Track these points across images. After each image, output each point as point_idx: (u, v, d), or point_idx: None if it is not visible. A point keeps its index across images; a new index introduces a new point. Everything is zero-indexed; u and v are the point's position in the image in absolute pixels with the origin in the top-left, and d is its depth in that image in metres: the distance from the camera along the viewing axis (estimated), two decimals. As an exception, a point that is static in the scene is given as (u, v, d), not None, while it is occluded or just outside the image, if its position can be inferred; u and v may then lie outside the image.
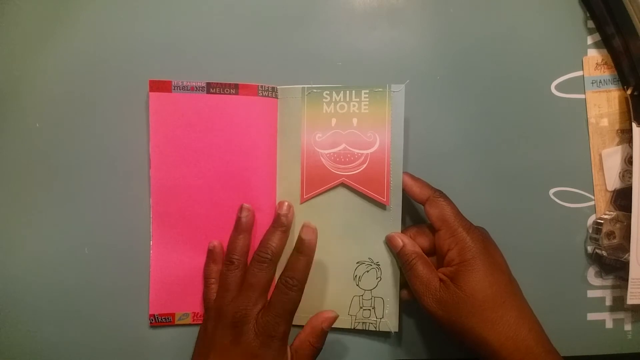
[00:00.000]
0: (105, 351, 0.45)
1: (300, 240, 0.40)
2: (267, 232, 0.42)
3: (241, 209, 0.43)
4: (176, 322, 0.44)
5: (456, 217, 0.39)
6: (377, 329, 0.43)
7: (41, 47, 0.44)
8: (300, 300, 0.40)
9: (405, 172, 0.42)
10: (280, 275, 0.40)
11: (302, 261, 0.40)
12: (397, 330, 0.43)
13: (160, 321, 0.44)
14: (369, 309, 0.44)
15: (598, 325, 0.46)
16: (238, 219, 0.43)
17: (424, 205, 0.41)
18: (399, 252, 0.41)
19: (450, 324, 0.38)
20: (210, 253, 0.43)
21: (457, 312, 0.37)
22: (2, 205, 0.44)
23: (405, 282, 0.42)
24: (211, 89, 0.43)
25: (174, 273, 0.44)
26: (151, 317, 0.44)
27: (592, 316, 0.46)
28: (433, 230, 0.41)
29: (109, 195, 0.44)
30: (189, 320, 0.44)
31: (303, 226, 0.41)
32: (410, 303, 0.43)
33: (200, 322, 0.43)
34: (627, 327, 0.46)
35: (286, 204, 0.43)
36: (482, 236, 0.39)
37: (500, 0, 0.46)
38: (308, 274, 0.40)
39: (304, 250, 0.40)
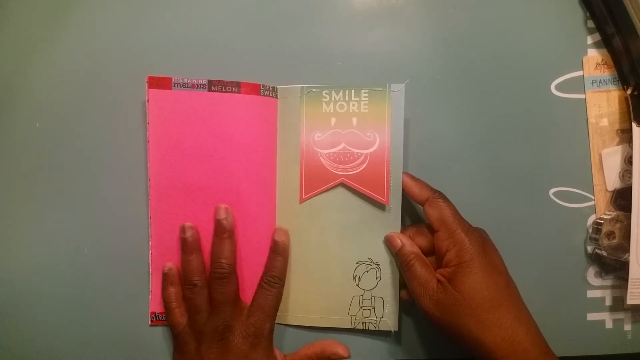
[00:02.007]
0: (106, 349, 0.45)
1: (274, 242, 0.43)
2: (213, 243, 0.42)
3: (183, 229, 0.42)
4: (176, 322, 0.44)
5: (455, 218, 0.39)
6: (377, 329, 0.43)
7: (41, 47, 0.44)
8: (281, 297, 0.42)
9: (404, 173, 0.42)
10: (262, 276, 0.42)
11: (279, 260, 0.42)
12: (397, 329, 0.43)
13: (161, 319, 0.44)
14: (369, 309, 0.44)
15: (598, 326, 0.46)
16: (183, 240, 0.42)
17: (423, 205, 0.41)
18: (398, 252, 0.41)
19: (447, 325, 0.38)
20: (166, 276, 0.43)
21: (454, 313, 0.37)
22: (2, 205, 0.44)
23: (405, 282, 0.42)
24: (213, 87, 0.42)
25: (175, 273, 0.43)
26: (152, 315, 0.44)
27: (592, 316, 0.46)
28: (432, 230, 0.41)
29: (109, 195, 0.44)
30: (188, 320, 0.44)
31: (275, 230, 0.44)
32: (409, 303, 0.43)
33: None
34: (627, 327, 0.46)
35: (223, 207, 0.42)
36: (481, 238, 0.39)
37: (500, 1, 0.46)
38: (286, 271, 0.43)
39: (279, 251, 0.42)
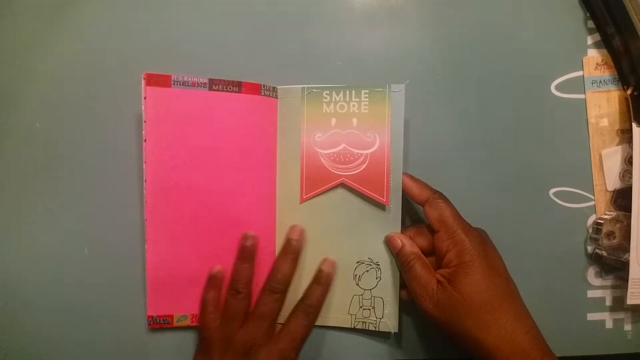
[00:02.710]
0: (104, 352, 0.45)
1: (319, 271, 0.43)
2: (278, 258, 0.43)
3: (245, 236, 0.43)
4: (174, 324, 0.44)
5: (455, 219, 0.39)
6: (377, 329, 0.43)
7: (40, 47, 0.44)
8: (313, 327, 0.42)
9: (404, 173, 0.42)
10: (299, 302, 0.42)
11: (319, 290, 0.42)
12: (396, 330, 0.43)
13: (159, 322, 0.44)
14: (369, 309, 0.43)
15: (598, 325, 0.46)
16: (242, 247, 0.43)
17: (423, 206, 0.41)
18: (398, 253, 0.41)
19: (447, 325, 0.38)
20: (212, 279, 0.43)
21: (453, 314, 0.37)
22: (1, 205, 0.44)
23: (405, 282, 0.42)
24: (213, 86, 0.42)
25: (172, 274, 0.43)
26: (149, 319, 0.43)
27: (592, 316, 0.46)
28: (432, 231, 0.41)
29: (109, 195, 0.44)
30: (187, 322, 0.44)
31: (323, 259, 0.43)
32: (410, 303, 0.43)
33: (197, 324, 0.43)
34: (627, 327, 0.46)
35: (299, 228, 0.43)
36: (481, 238, 0.39)
37: (500, 1, 0.46)
38: (324, 303, 0.43)
39: (323, 282, 0.42)
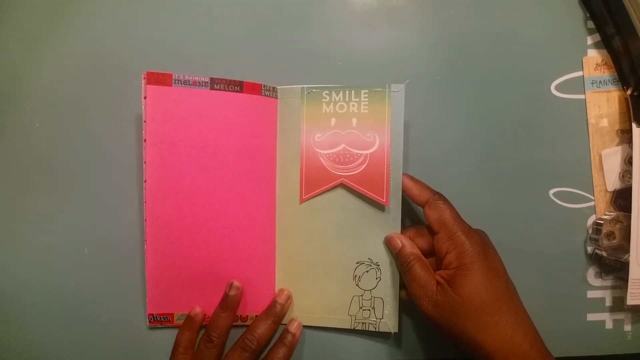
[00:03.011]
0: (105, 351, 0.45)
1: (285, 331, 0.43)
2: (259, 317, 0.43)
3: (230, 286, 0.43)
4: (175, 323, 0.44)
5: (455, 221, 0.39)
6: (377, 330, 0.43)
7: (41, 47, 0.44)
8: None
9: (404, 174, 0.42)
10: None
11: (282, 351, 0.43)
12: (396, 331, 0.43)
13: (159, 320, 0.44)
14: (369, 309, 0.43)
15: (598, 326, 0.46)
16: (225, 296, 0.43)
17: (423, 207, 0.41)
18: (398, 253, 0.41)
19: (446, 327, 0.38)
20: (189, 320, 0.43)
21: (453, 315, 0.37)
22: (1, 205, 0.44)
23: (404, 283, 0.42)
24: (215, 85, 0.42)
25: (172, 273, 0.43)
26: (149, 317, 0.43)
27: (592, 317, 0.46)
28: (432, 231, 0.41)
29: (109, 195, 0.44)
30: (188, 321, 0.44)
31: (291, 321, 0.44)
32: (409, 303, 0.43)
33: None
34: (627, 327, 0.46)
35: (285, 293, 0.44)
36: (481, 240, 0.39)
37: (500, 1, 0.46)
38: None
39: (287, 343, 0.43)
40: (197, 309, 0.43)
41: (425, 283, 0.39)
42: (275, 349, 0.43)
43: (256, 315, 0.44)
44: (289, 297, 0.44)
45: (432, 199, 0.40)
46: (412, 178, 0.42)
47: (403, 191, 0.42)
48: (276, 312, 0.43)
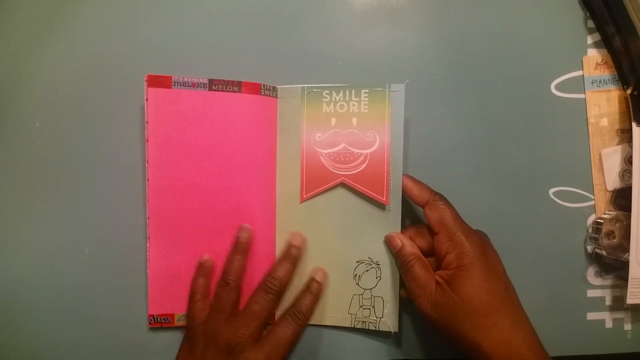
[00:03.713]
0: (105, 352, 0.45)
1: (311, 280, 0.43)
2: (278, 260, 0.43)
3: (240, 229, 0.43)
4: (175, 323, 0.44)
5: (455, 221, 0.39)
6: (377, 329, 0.43)
7: (41, 47, 0.44)
8: (302, 334, 0.43)
9: (404, 175, 0.42)
10: (290, 308, 0.42)
11: (309, 299, 0.42)
12: (396, 330, 0.43)
13: (160, 321, 0.44)
14: (369, 308, 0.43)
15: (598, 325, 0.46)
16: (237, 240, 0.43)
17: (423, 208, 0.41)
18: (397, 253, 0.41)
19: (445, 327, 0.38)
20: (200, 267, 0.43)
21: (452, 316, 0.37)
22: (2, 205, 0.44)
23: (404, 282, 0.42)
24: (213, 86, 0.42)
25: (173, 274, 0.43)
26: (150, 318, 0.44)
27: (591, 316, 0.46)
28: (432, 231, 0.41)
29: (109, 195, 0.44)
30: (188, 321, 0.44)
31: (317, 270, 0.44)
32: (409, 303, 0.43)
33: None
34: (627, 326, 0.46)
35: (300, 235, 0.44)
36: (481, 241, 0.39)
37: (500, 1, 0.46)
38: (313, 312, 0.43)
39: (314, 290, 0.43)
40: (206, 256, 0.43)
41: (424, 283, 0.39)
42: (302, 296, 0.43)
43: None
44: (303, 240, 0.44)
45: (432, 199, 0.40)
46: (412, 178, 0.42)
47: (403, 192, 0.42)
48: (292, 254, 0.43)
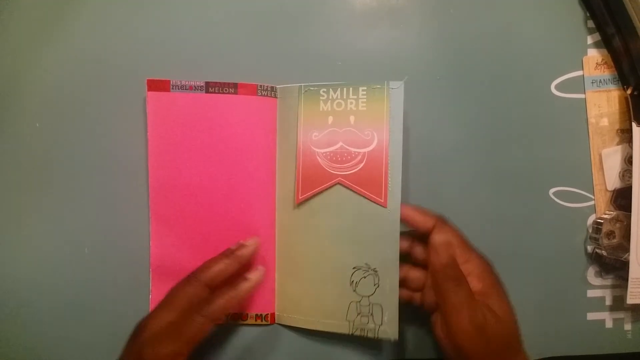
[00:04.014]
0: (106, 351, 0.45)
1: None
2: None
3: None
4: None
5: (467, 241, 0.38)
6: (376, 336, 0.41)
7: (41, 47, 0.45)
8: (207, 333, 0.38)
9: (402, 204, 0.40)
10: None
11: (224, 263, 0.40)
12: (396, 337, 0.41)
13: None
14: (367, 316, 0.41)
15: (598, 325, 0.46)
16: (236, 251, 0.41)
17: (430, 234, 0.38)
18: (446, 264, 0.36)
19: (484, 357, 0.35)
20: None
21: (500, 342, 0.35)
22: (2, 205, 0.44)
23: (402, 282, 0.41)
24: (210, 89, 0.43)
25: (175, 272, 0.43)
26: (151, 316, 0.44)
27: (592, 316, 0.46)
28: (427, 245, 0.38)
29: (109, 195, 0.45)
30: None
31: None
32: (409, 307, 0.42)
33: None
34: (627, 326, 0.46)
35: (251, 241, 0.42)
36: (490, 262, 0.38)
37: (500, 1, 0.46)
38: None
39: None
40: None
41: (474, 303, 0.35)
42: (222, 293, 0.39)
43: (256, 314, 0.44)
44: (255, 243, 0.42)
45: (439, 222, 0.38)
46: (410, 206, 0.40)
47: (405, 223, 0.40)
48: (232, 249, 0.41)
